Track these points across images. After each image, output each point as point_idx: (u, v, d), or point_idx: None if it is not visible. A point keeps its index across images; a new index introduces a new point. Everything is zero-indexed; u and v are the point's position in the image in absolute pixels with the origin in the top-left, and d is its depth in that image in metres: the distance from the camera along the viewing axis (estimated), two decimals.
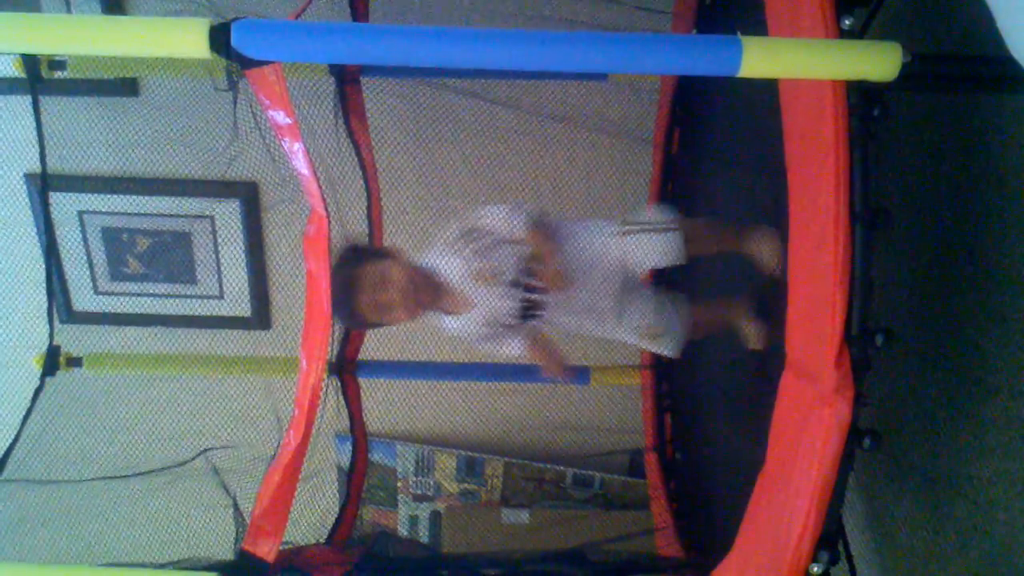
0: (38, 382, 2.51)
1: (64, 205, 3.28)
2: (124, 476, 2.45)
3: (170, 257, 3.45)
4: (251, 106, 1.93)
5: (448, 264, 2.07)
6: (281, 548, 1.86)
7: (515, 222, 2.06)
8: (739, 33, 1.28)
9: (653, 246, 2.11)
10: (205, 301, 3.53)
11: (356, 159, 2.69)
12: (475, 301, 2.08)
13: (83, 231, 3.39)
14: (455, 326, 2.16)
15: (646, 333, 2.20)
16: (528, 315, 2.11)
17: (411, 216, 2.96)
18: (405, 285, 2.02)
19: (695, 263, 2.15)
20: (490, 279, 2.05)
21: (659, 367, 2.98)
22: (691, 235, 2.12)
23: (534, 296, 2.08)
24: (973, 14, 1.70)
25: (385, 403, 3.05)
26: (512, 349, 2.20)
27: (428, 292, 2.05)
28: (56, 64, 2.52)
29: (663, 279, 2.44)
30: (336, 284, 1.98)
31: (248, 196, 3.27)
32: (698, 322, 2.26)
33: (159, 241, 3.42)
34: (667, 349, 2.25)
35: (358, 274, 2.04)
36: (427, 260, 2.10)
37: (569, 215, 2.37)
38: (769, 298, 1.81)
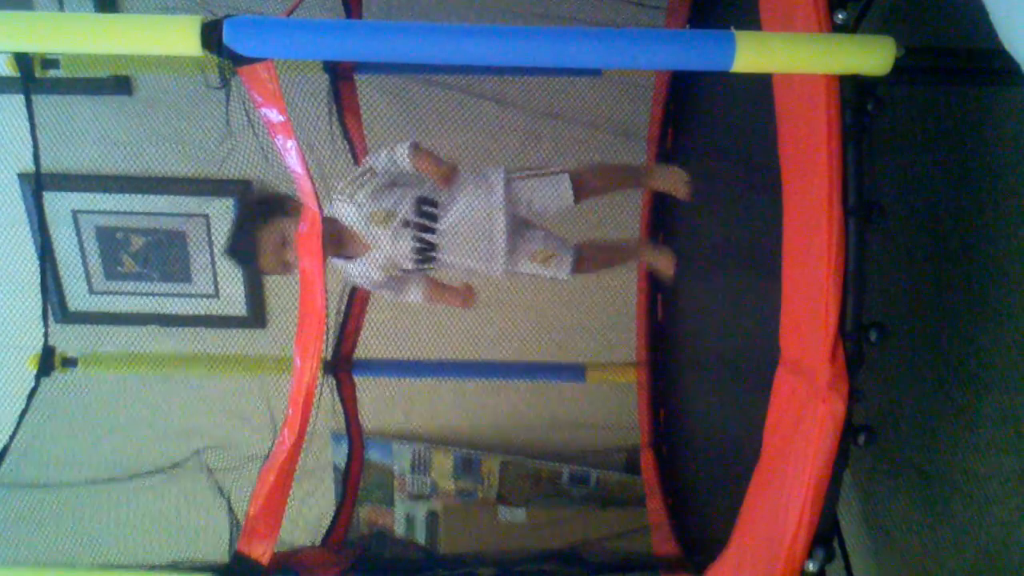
0: (33, 383, 2.51)
1: (58, 204, 3.27)
2: (119, 476, 2.44)
3: (165, 256, 3.44)
4: (244, 104, 1.93)
5: (343, 211, 2.16)
6: (276, 549, 1.86)
7: (399, 154, 2.16)
8: (732, 28, 1.28)
9: (538, 187, 2.24)
10: (200, 300, 3.52)
11: (350, 156, 2.69)
12: (371, 243, 2.17)
13: (77, 230, 3.39)
14: (355, 270, 2.23)
15: (537, 257, 2.29)
16: (423, 256, 2.19)
17: None
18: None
19: None
20: (382, 220, 2.14)
21: (655, 364, 2.98)
22: (581, 177, 2.27)
23: (425, 235, 2.16)
24: (966, 8, 1.70)
25: (381, 402, 3.05)
26: (411, 296, 2.31)
27: (330, 242, 2.12)
28: (49, 63, 2.51)
29: None
30: (241, 242, 2.19)
31: (242, 194, 3.27)
32: (593, 252, 2.39)
33: (154, 240, 3.42)
34: (561, 271, 2.32)
35: (260, 225, 2.15)
36: (327, 210, 2.18)
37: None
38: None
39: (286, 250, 2.13)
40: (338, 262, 2.24)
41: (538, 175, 2.27)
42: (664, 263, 2.40)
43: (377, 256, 2.18)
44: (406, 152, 2.15)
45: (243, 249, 2.20)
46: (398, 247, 2.16)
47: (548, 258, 2.30)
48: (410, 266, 2.21)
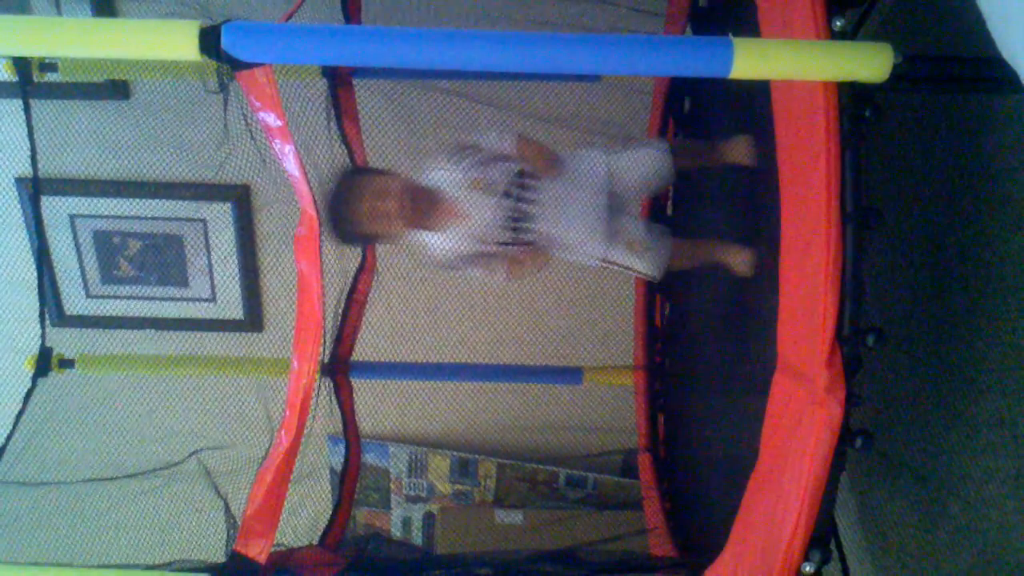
0: (30, 383, 2.51)
1: (55, 208, 3.26)
2: (116, 478, 2.44)
3: (162, 260, 3.44)
4: (242, 108, 1.93)
5: (444, 175, 2.13)
6: (273, 550, 1.86)
7: (506, 139, 2.16)
8: (731, 35, 1.28)
9: (640, 158, 2.20)
10: (197, 304, 3.52)
11: (348, 161, 2.69)
12: (467, 212, 2.12)
13: (74, 234, 3.38)
14: (441, 242, 2.18)
15: (633, 246, 2.21)
16: (517, 228, 2.15)
17: None
18: (402, 194, 2.09)
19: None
20: (483, 188, 2.11)
21: (652, 367, 2.99)
22: (677, 150, 2.22)
23: (524, 207, 2.13)
24: (964, 15, 1.71)
25: (378, 404, 3.05)
26: (496, 276, 2.23)
27: (424, 203, 2.10)
28: (47, 67, 2.51)
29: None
30: (337, 193, 2.13)
31: (240, 198, 3.27)
32: (682, 250, 2.30)
33: (151, 244, 3.42)
34: (650, 267, 2.24)
35: (359, 183, 2.14)
36: (424, 176, 2.17)
37: None
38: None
39: (391, 202, 2.09)
40: (423, 236, 2.18)
41: (636, 147, 2.24)
42: (741, 263, 2.15)
43: (474, 225, 2.13)
44: (513, 136, 2.16)
45: (341, 210, 2.13)
46: (497, 216, 2.12)
47: (646, 250, 2.21)
48: (504, 237, 2.16)
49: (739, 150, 2.19)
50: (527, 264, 2.23)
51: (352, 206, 2.10)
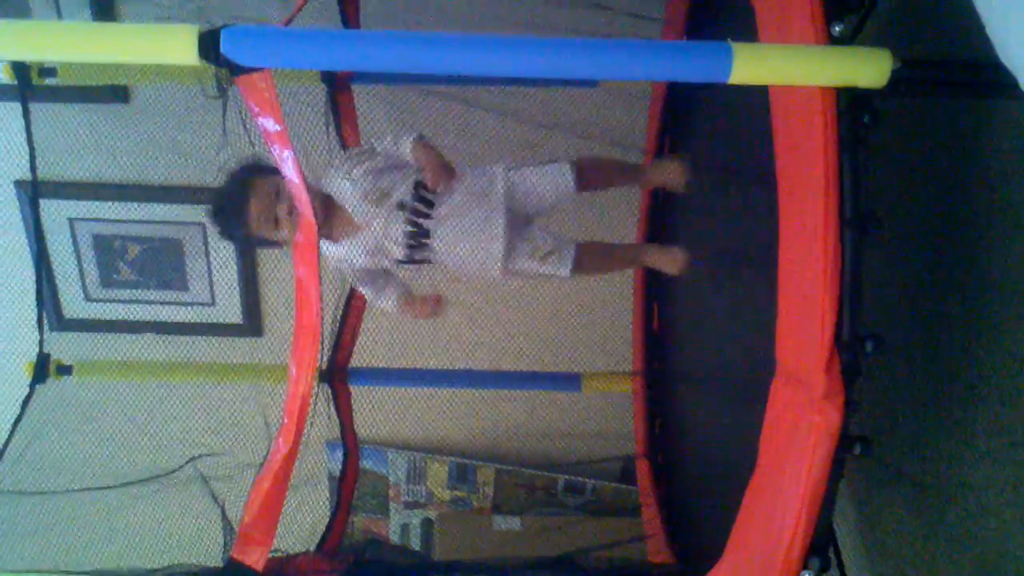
0: (27, 390, 2.50)
1: (54, 212, 3.26)
2: (113, 484, 2.44)
3: (161, 264, 3.44)
4: (241, 113, 1.93)
5: (339, 184, 2.11)
6: (270, 556, 1.85)
7: (402, 142, 2.12)
8: (729, 40, 1.28)
9: (538, 174, 2.20)
10: (196, 308, 3.52)
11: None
12: (362, 222, 2.10)
13: (74, 238, 3.38)
14: (338, 252, 2.15)
15: (537, 253, 2.21)
16: (415, 243, 2.11)
17: None
18: (291, 200, 2.01)
19: None
20: (378, 199, 2.08)
21: (650, 373, 2.98)
22: (581, 164, 2.23)
23: (419, 220, 2.09)
24: (963, 20, 1.71)
25: (376, 410, 3.04)
26: (387, 301, 2.22)
27: (318, 211, 2.01)
28: (46, 71, 2.52)
29: None
30: (231, 189, 2.10)
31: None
32: (593, 250, 2.31)
33: (150, 248, 3.41)
34: (561, 268, 2.23)
35: (254, 183, 2.08)
36: (322, 182, 2.14)
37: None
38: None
39: (279, 205, 2.05)
40: (322, 245, 2.13)
41: (538, 164, 2.24)
42: (670, 263, 2.29)
43: (366, 238, 2.11)
44: (409, 141, 2.11)
45: (231, 205, 2.11)
46: (390, 230, 2.10)
47: (547, 254, 2.22)
48: (400, 254, 2.13)
49: (670, 173, 2.20)
50: (418, 307, 2.21)
51: (240, 203, 2.06)
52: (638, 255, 2.32)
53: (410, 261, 2.17)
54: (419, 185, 2.11)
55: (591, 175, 2.27)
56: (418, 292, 2.28)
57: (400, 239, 2.11)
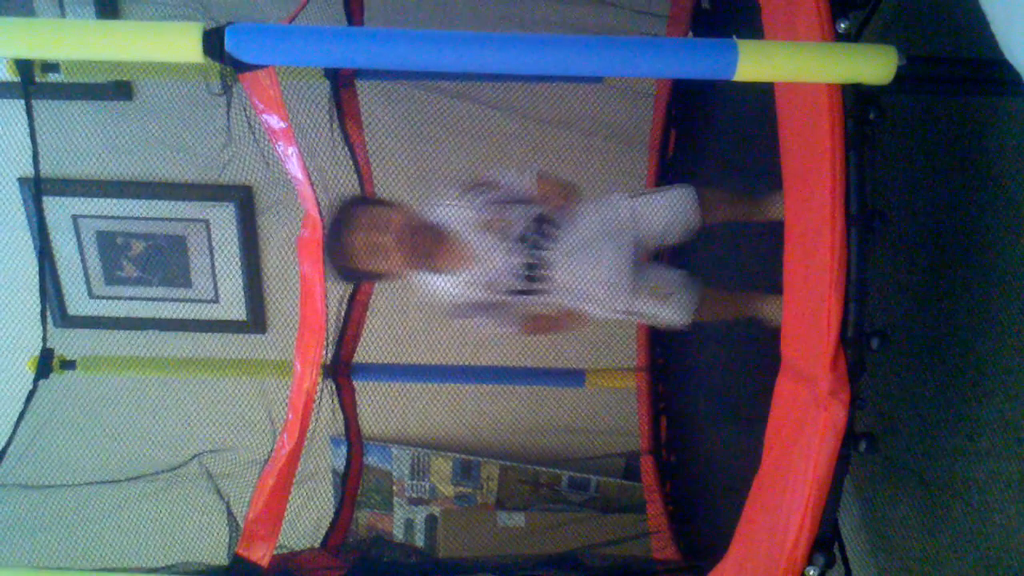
0: (31, 385, 2.51)
1: (58, 209, 3.27)
2: (118, 480, 2.44)
3: (165, 261, 3.44)
4: (245, 110, 1.93)
5: (456, 212, 1.99)
6: (275, 552, 1.86)
7: (525, 178, 2.01)
8: (735, 37, 1.28)
9: (664, 203, 2.06)
10: (200, 305, 3.52)
11: (351, 163, 2.69)
12: (477, 255, 1.97)
13: (77, 235, 3.39)
14: (446, 286, 2.03)
15: (657, 291, 2.09)
16: (532, 276, 2.00)
17: None
18: (403, 229, 1.96)
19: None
20: (497, 230, 1.97)
21: (655, 369, 2.98)
22: (704, 197, 2.06)
23: (541, 253, 1.97)
24: (968, 17, 1.71)
25: (380, 406, 3.05)
26: (509, 327, 2.11)
27: (426, 241, 1.98)
28: (49, 68, 2.51)
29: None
30: (334, 223, 1.96)
31: (243, 200, 3.27)
32: (709, 297, 2.15)
33: (154, 245, 3.42)
34: (677, 313, 2.10)
35: (358, 213, 2.00)
36: (432, 212, 2.03)
37: None
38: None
39: (385, 235, 1.95)
40: (426, 277, 2.05)
41: (660, 191, 2.12)
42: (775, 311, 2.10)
43: (482, 271, 1.98)
44: (532, 174, 2.01)
45: (335, 242, 1.96)
46: (511, 262, 1.97)
47: (670, 295, 2.09)
48: (518, 286, 2.01)
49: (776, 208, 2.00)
50: (545, 322, 2.12)
51: (347, 238, 1.96)
52: (748, 304, 2.07)
53: (527, 292, 2.04)
54: (542, 219, 2.00)
55: (712, 207, 2.09)
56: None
57: (520, 271, 1.99)
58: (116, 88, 3.11)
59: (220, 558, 1.92)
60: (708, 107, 2.38)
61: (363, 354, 2.85)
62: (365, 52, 1.31)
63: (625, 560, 2.43)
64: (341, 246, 1.96)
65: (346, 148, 2.66)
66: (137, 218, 3.35)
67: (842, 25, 1.36)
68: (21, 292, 2.71)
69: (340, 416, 2.79)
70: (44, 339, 2.59)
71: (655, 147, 2.81)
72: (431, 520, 3.59)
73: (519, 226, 1.98)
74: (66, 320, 3.49)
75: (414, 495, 3.62)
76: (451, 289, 2.03)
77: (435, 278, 2.04)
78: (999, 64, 1.16)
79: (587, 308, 2.08)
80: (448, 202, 2.02)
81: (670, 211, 2.05)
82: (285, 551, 2.06)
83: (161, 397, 2.92)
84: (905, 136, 2.03)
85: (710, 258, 2.34)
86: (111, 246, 3.41)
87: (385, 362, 2.90)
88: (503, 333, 2.15)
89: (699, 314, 2.11)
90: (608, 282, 2.02)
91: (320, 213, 1.66)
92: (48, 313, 2.63)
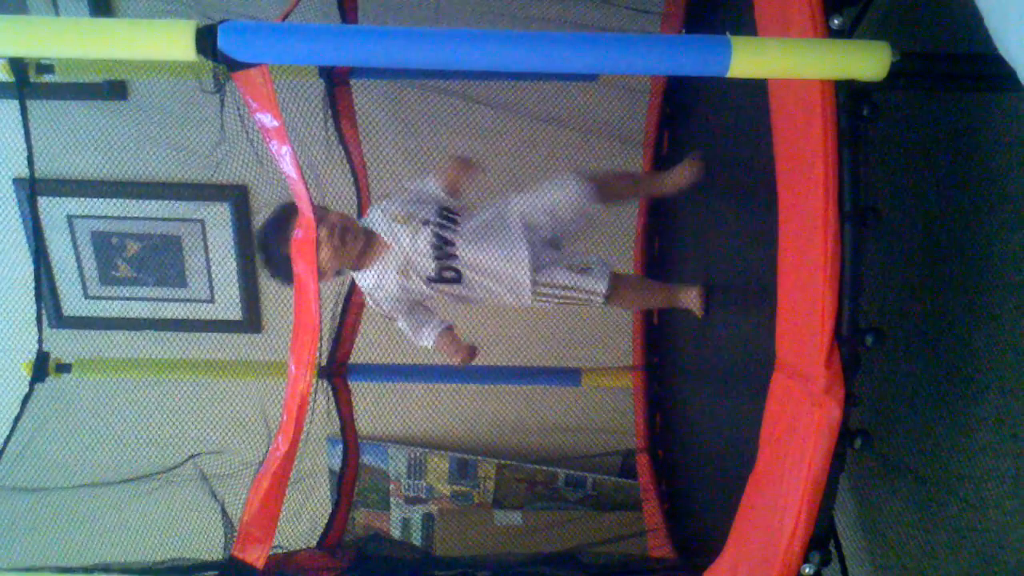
0: (27, 388, 2.50)
1: (53, 209, 3.27)
2: (113, 482, 2.44)
3: (160, 261, 3.44)
4: (239, 109, 1.92)
5: (371, 216, 2.26)
6: (271, 553, 1.85)
7: (429, 181, 2.30)
8: (728, 33, 1.28)
9: (552, 186, 2.25)
10: (196, 305, 3.52)
11: (346, 162, 2.69)
12: (389, 241, 2.19)
13: (72, 235, 3.38)
14: (371, 278, 2.23)
15: (572, 264, 2.25)
16: (440, 256, 2.18)
17: None
18: (333, 224, 2.16)
19: None
20: (404, 219, 2.21)
21: (650, 368, 2.98)
22: (592, 174, 2.28)
23: (444, 234, 2.18)
24: (962, 13, 1.71)
25: (376, 406, 3.04)
26: (425, 338, 2.27)
27: (352, 237, 2.19)
28: (44, 67, 2.51)
29: None
30: (271, 224, 2.17)
31: (238, 199, 3.27)
32: (623, 275, 2.35)
33: (149, 245, 3.41)
34: (598, 283, 2.24)
35: (291, 213, 2.06)
36: (361, 220, 2.30)
37: None
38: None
39: (320, 229, 2.05)
40: (358, 276, 2.27)
41: (549, 180, 2.28)
42: (695, 303, 2.24)
43: (395, 255, 2.19)
44: (435, 178, 2.29)
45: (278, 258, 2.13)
46: (417, 242, 2.17)
47: (583, 268, 2.25)
48: (430, 268, 2.18)
49: (687, 176, 2.26)
50: (456, 347, 2.27)
51: (282, 235, 2.05)
52: (674, 295, 2.31)
53: (440, 279, 2.21)
54: (444, 208, 2.24)
55: (603, 181, 2.30)
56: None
57: (427, 251, 2.17)
58: (111, 88, 3.11)
59: (216, 559, 1.92)
60: (703, 104, 2.38)
61: (359, 354, 2.84)
62: (359, 50, 1.31)
63: (622, 558, 2.43)
64: (278, 246, 2.10)
65: (340, 147, 2.65)
66: (132, 218, 3.35)
67: (835, 21, 1.35)
68: (16, 293, 2.71)
69: (336, 416, 2.78)
70: (40, 342, 2.58)
71: (650, 144, 2.81)
72: (428, 519, 3.59)
73: (422, 212, 2.22)
74: (61, 321, 3.49)
75: (411, 494, 3.62)
76: (374, 280, 2.23)
77: (362, 276, 2.25)
78: (993, 60, 1.16)
79: (503, 295, 2.25)
80: (371, 209, 2.29)
81: (549, 196, 2.24)
82: (281, 551, 2.06)
83: (156, 398, 2.91)
84: (899, 132, 2.03)
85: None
86: (106, 246, 3.41)
87: (380, 362, 2.90)
88: (421, 344, 2.29)
89: (617, 288, 2.26)
90: (507, 258, 2.19)
91: (314, 212, 1.66)
92: (43, 314, 2.62)
